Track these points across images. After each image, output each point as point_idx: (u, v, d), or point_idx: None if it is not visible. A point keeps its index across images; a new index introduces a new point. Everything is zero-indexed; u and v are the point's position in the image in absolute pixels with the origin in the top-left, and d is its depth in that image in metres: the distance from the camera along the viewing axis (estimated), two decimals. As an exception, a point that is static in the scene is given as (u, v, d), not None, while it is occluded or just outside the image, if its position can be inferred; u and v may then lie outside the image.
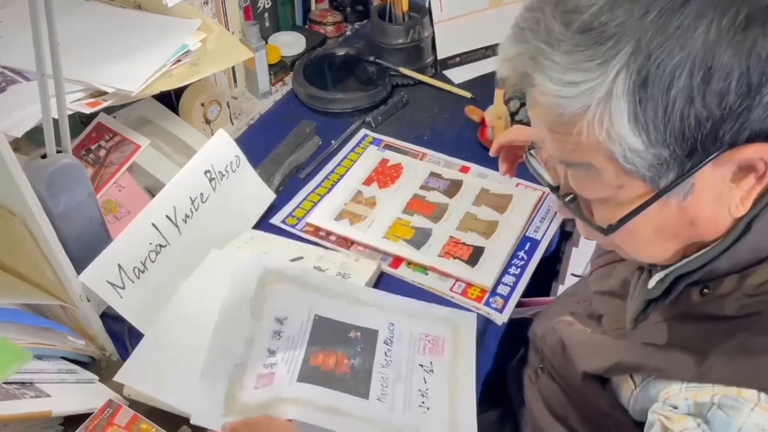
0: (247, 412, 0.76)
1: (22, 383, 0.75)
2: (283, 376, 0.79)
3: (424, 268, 0.99)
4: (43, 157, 0.80)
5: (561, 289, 1.54)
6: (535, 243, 1.03)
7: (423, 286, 0.97)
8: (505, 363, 1.02)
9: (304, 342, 0.84)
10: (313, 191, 1.13)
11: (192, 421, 0.77)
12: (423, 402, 0.80)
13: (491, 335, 0.94)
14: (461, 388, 0.82)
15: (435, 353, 0.85)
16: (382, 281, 0.98)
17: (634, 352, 0.67)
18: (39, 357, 0.80)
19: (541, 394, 0.87)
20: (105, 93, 0.92)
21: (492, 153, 1.02)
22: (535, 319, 0.94)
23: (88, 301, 0.84)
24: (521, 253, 1.01)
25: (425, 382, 0.82)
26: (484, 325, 0.93)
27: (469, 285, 0.96)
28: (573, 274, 1.61)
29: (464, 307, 0.94)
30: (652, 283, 0.63)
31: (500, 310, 0.93)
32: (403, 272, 0.99)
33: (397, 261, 1.00)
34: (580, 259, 1.59)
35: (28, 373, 0.76)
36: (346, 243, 1.03)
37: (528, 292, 0.99)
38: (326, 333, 0.85)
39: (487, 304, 0.94)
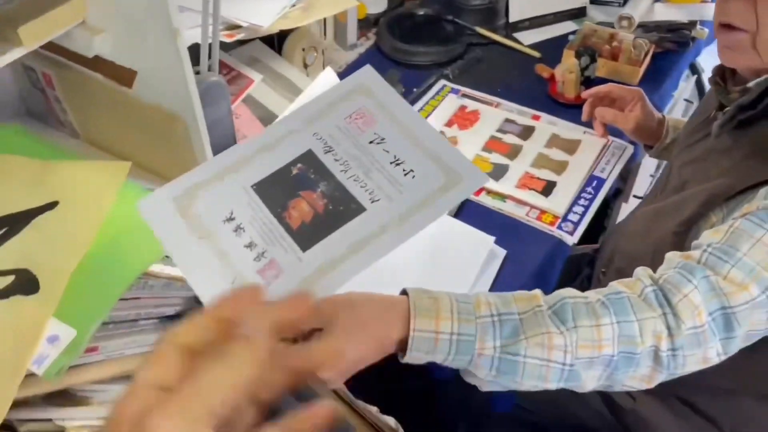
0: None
1: (177, 260, 0.90)
2: (284, 257, 0.71)
3: (502, 197, 1.12)
4: (197, 73, 0.94)
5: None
6: (601, 181, 1.15)
7: (502, 211, 1.10)
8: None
9: (266, 215, 0.73)
10: (399, 130, 1.26)
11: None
12: (404, 168, 0.73)
13: (559, 256, 1.08)
14: (419, 131, 0.73)
15: (369, 123, 0.75)
16: (465, 207, 1.11)
17: (722, 182, 0.78)
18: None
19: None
20: (239, 27, 1.06)
21: (585, 95, 1.16)
22: (604, 237, 1.08)
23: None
24: (589, 189, 1.14)
25: (387, 153, 0.74)
26: (554, 246, 1.06)
27: (543, 212, 1.09)
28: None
29: (540, 231, 1.07)
30: (749, 85, 0.78)
31: (571, 233, 1.06)
32: (483, 199, 1.12)
33: (478, 190, 1.13)
34: (623, 214, 1.72)
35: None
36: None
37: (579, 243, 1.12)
38: (275, 192, 0.75)
39: (559, 228, 1.07)
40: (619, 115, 1.14)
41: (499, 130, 1.25)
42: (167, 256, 0.81)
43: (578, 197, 1.12)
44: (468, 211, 1.10)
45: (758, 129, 0.80)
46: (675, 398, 0.94)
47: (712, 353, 0.67)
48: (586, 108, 1.18)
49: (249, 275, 0.69)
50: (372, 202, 0.71)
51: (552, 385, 0.66)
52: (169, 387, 0.32)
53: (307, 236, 0.70)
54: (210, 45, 0.94)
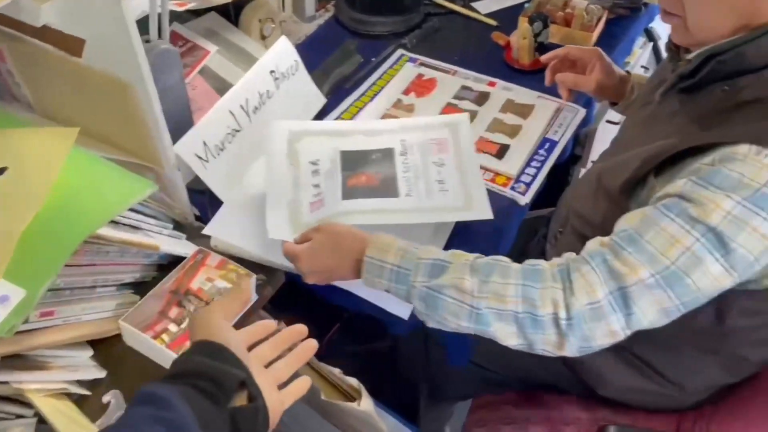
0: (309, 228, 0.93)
1: (132, 226, 0.91)
2: (329, 199, 0.97)
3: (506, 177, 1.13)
4: (146, 42, 0.94)
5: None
6: (553, 143, 1.18)
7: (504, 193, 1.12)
8: (523, 251, 1.19)
9: (338, 172, 1.01)
10: (358, 98, 1.28)
11: (270, 236, 0.93)
12: (442, 187, 0.98)
13: (514, 219, 1.10)
14: (468, 171, 1.00)
15: (442, 151, 1.04)
16: (421, 171, 1.13)
17: (659, 144, 0.81)
18: (139, 211, 0.95)
19: (561, 251, 1.03)
20: (190, -4, 1.06)
21: (543, 59, 1.18)
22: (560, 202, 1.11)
23: (179, 170, 1.00)
24: (542, 151, 1.16)
25: (439, 174, 1.00)
26: (508, 209, 1.09)
27: (497, 174, 1.12)
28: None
29: (494, 192, 1.09)
30: (689, 56, 0.82)
31: (523, 194, 1.09)
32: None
33: (434, 154, 1.15)
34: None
35: (135, 220, 0.92)
36: (389, 140, 1.19)
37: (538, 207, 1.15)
38: (353, 161, 1.03)
39: (512, 189, 1.10)
40: (580, 78, 1.15)
41: (456, 97, 1.27)
42: (114, 221, 0.83)
43: (531, 159, 1.15)
44: (424, 176, 1.12)
45: (701, 97, 0.83)
46: (627, 352, 0.98)
47: (617, 327, 0.74)
48: (547, 73, 1.19)
49: (304, 203, 0.98)
50: (406, 195, 0.97)
51: (465, 324, 0.77)
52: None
53: (351, 193, 0.98)
54: (159, 13, 0.94)
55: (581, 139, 1.58)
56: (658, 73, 1.05)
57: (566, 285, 0.75)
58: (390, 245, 0.83)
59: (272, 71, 1.13)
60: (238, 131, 1.07)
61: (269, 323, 0.68)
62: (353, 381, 1.08)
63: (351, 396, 1.08)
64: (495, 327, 0.76)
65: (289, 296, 1.00)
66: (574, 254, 0.79)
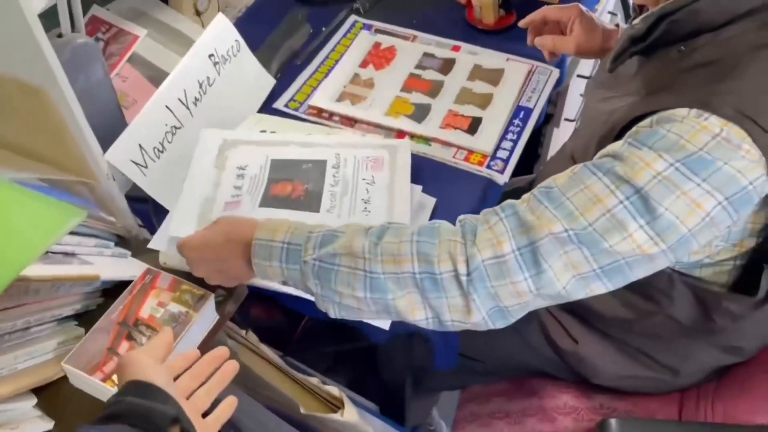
0: None
1: (65, 253, 0.79)
2: (246, 203, 0.90)
3: (426, 140, 1.04)
4: (59, 36, 0.81)
5: (544, 170, 1.62)
6: (528, 111, 1.09)
7: (427, 155, 1.02)
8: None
9: (264, 179, 0.94)
10: (311, 76, 1.16)
11: (171, 233, 0.85)
12: (366, 207, 0.91)
13: (492, 197, 1.01)
14: (397, 195, 0.91)
15: (376, 169, 0.95)
16: (387, 154, 1.03)
17: (618, 116, 0.74)
18: (74, 233, 0.84)
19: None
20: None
21: (522, 25, 1.06)
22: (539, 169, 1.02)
23: (113, 179, 0.88)
24: (516, 121, 1.07)
25: (368, 192, 0.92)
26: (486, 191, 1.00)
27: (471, 152, 1.02)
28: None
29: (469, 173, 1.00)
30: (638, 20, 0.73)
31: (501, 172, 1.00)
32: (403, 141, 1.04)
33: (400, 135, 1.05)
34: (559, 141, 1.67)
35: (69, 245, 0.80)
36: (350, 122, 1.08)
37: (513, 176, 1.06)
38: (282, 169, 0.95)
39: (489, 167, 1.00)
40: (559, 41, 1.04)
41: (418, 67, 1.16)
42: (47, 252, 0.72)
43: (506, 132, 1.05)
44: (391, 159, 1.02)
45: (657, 59, 0.75)
46: (618, 341, 0.92)
47: (524, 287, 0.65)
48: (529, 35, 1.07)
49: (219, 202, 0.91)
50: (327, 211, 0.91)
51: (361, 293, 0.68)
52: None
53: (270, 201, 0.91)
54: (68, 1, 0.80)
55: (552, 98, 1.48)
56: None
57: (468, 237, 0.66)
58: (281, 224, 0.73)
59: (211, 55, 1.00)
60: (178, 128, 0.95)
61: (190, 353, 0.70)
62: (334, 390, 1.01)
63: (333, 405, 1.01)
64: (395, 295, 0.67)
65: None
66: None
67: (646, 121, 0.66)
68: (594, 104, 0.86)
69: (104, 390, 0.75)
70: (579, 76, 1.48)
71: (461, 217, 0.70)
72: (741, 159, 0.60)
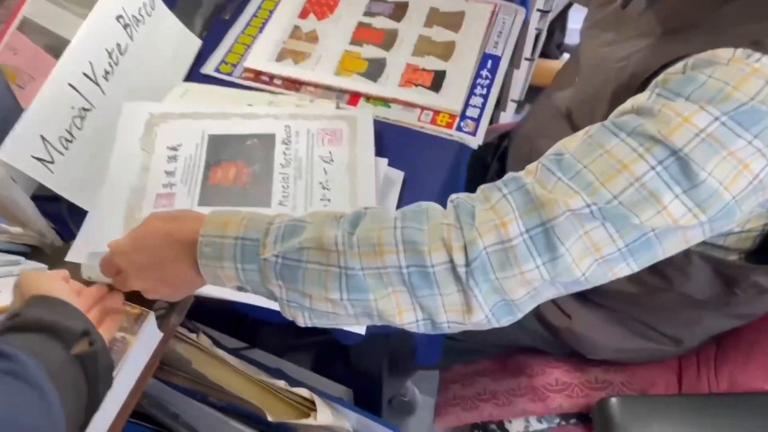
0: None
1: (-40, 285, 0.65)
2: (183, 198, 0.78)
3: (385, 101, 0.91)
4: None
5: (506, 117, 1.51)
6: (496, 59, 0.96)
7: (388, 120, 0.89)
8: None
9: (201, 160, 0.81)
10: (242, 32, 1.00)
11: (91, 241, 0.74)
12: (324, 194, 0.78)
13: (465, 161, 0.90)
14: (361, 175, 0.79)
15: (333, 143, 0.82)
16: (341, 121, 0.90)
17: (632, 70, 0.63)
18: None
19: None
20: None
21: None
22: (514, 131, 0.90)
23: (15, 182, 0.72)
24: (484, 72, 0.94)
25: (326, 173, 0.80)
26: (458, 153, 0.88)
27: (437, 112, 0.90)
28: (513, 100, 1.59)
29: (438, 137, 0.88)
30: None
31: (473, 134, 0.88)
32: (363, 108, 0.90)
33: (354, 97, 0.91)
34: (517, 84, 1.56)
35: (-37, 271, 0.66)
36: (295, 85, 0.93)
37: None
38: (222, 147, 0.82)
39: (459, 129, 0.88)
40: None
41: (367, 14, 1.01)
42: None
43: (474, 85, 0.93)
44: (347, 127, 0.88)
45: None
46: (618, 313, 0.83)
47: (535, 275, 0.53)
48: None
49: (150, 193, 0.78)
50: (279, 204, 0.77)
51: (335, 295, 0.55)
52: None
53: (211, 196, 0.78)
54: None
55: (511, 37, 1.36)
56: None
57: (465, 220, 0.54)
58: (233, 215, 0.60)
59: (119, 16, 0.82)
60: (88, 110, 0.78)
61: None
62: (304, 392, 0.90)
63: (305, 407, 0.91)
64: (377, 295, 0.55)
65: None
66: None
67: (678, 66, 0.54)
68: (594, 50, 0.74)
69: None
70: (539, 10, 1.36)
71: (453, 196, 0.58)
72: None
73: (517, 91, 1.59)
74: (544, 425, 0.95)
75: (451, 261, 0.53)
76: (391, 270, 0.54)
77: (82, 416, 0.53)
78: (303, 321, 0.59)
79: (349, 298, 0.55)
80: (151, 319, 0.69)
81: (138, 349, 0.68)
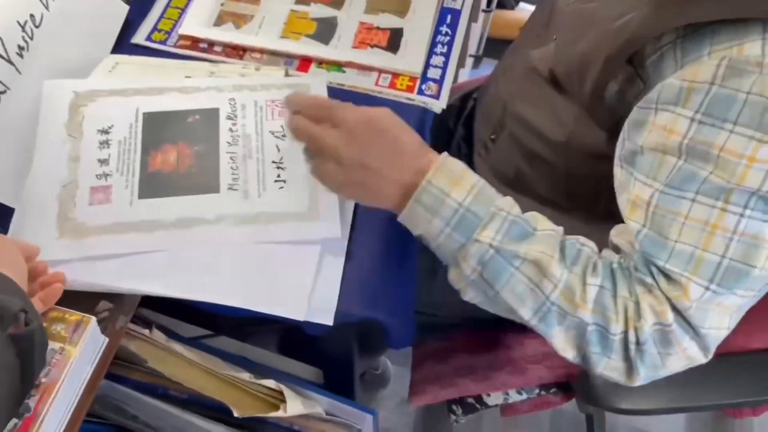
0: (84, 232, 0.67)
1: None
2: (121, 192, 0.70)
3: (339, 66, 0.83)
4: None
5: (464, 73, 1.45)
6: (456, 13, 0.89)
7: (343, 86, 0.82)
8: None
9: (137, 144, 0.73)
10: (174, -5, 0.90)
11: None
12: (279, 175, 0.72)
13: (428, 127, 0.83)
14: None
15: (285, 116, 0.73)
16: (292, 90, 0.82)
17: (628, 28, 0.58)
18: None
19: (493, 168, 0.80)
20: None
21: None
22: (481, 92, 0.85)
23: None
24: (444, 28, 0.87)
25: (279, 150, 0.73)
26: (421, 119, 0.81)
27: (396, 75, 0.82)
28: (471, 55, 1.52)
29: (399, 102, 0.81)
30: None
31: (436, 97, 0.81)
32: (315, 74, 0.83)
33: (304, 62, 0.83)
34: (474, 38, 1.49)
35: None
36: (237, 52, 0.84)
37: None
38: (160, 127, 0.74)
39: (420, 92, 0.81)
40: None
41: (312, -32, 0.92)
42: None
43: (434, 43, 0.86)
44: (298, 96, 0.81)
45: None
46: None
47: (693, 351, 0.56)
48: None
49: (83, 187, 0.70)
50: (229, 189, 0.70)
51: (526, 315, 0.57)
52: None
53: (152, 185, 0.70)
54: None
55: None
56: None
57: (636, 296, 0.56)
58: (461, 175, 0.58)
59: (29, -18, 0.72)
60: (2, 93, 0.69)
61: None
62: (270, 383, 0.85)
63: (273, 398, 0.86)
64: (555, 330, 0.57)
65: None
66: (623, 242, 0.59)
67: (702, 66, 0.50)
68: (576, 4, 0.68)
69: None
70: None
71: (614, 260, 0.58)
72: None
73: (473, 45, 1.52)
74: (524, 396, 0.93)
75: (626, 334, 0.55)
76: (578, 321, 0.56)
77: (16, 398, 0.52)
78: (467, 296, 0.61)
79: (535, 324, 0.58)
80: (92, 325, 0.62)
81: (80, 361, 0.61)
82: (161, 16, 0.88)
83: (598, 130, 0.65)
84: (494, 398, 0.93)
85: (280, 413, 0.83)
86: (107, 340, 0.65)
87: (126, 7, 0.86)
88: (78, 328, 0.62)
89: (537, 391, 0.91)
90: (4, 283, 0.54)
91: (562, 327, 0.56)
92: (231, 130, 0.73)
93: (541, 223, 0.59)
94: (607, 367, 0.57)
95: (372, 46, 0.84)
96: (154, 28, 0.87)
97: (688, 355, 0.55)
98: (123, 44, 0.85)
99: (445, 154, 0.60)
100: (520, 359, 0.88)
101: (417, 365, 0.97)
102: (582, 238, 0.60)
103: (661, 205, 0.53)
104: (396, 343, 0.77)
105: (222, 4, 0.88)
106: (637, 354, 0.55)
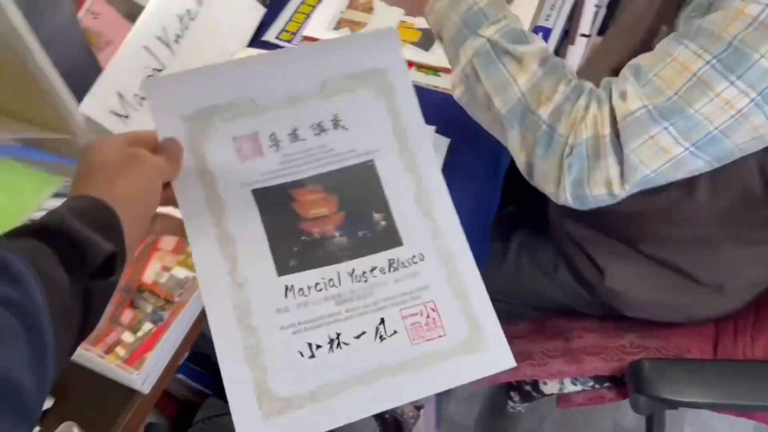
0: None
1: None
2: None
3: (435, 70, 0.94)
4: (12, -28, 0.70)
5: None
6: (547, 32, 0.98)
7: (438, 88, 0.93)
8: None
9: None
10: (303, 2, 1.05)
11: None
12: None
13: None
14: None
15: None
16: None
17: None
18: (59, 194, 0.76)
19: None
20: None
21: None
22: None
23: (95, 135, 0.79)
24: (534, 43, 0.97)
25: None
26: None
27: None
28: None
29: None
30: None
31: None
32: (414, 77, 0.94)
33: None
34: (574, 59, 1.55)
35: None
36: (349, 52, 0.98)
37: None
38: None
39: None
40: None
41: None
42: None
43: (523, 56, 0.95)
44: (398, 93, 0.92)
45: None
46: (644, 256, 0.86)
47: (613, 172, 0.62)
48: None
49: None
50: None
51: (498, 103, 0.65)
52: None
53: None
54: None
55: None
56: None
57: (589, 107, 0.63)
58: None
59: (190, -16, 0.89)
60: (160, 71, 0.85)
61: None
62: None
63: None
64: (516, 131, 0.65)
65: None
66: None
67: None
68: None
69: (106, 364, 0.70)
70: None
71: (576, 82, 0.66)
72: None
73: (574, 67, 1.58)
74: (578, 387, 0.98)
75: (567, 138, 0.63)
76: (537, 120, 0.64)
77: (70, 347, 0.45)
78: (457, 91, 0.70)
79: (503, 115, 0.66)
80: None
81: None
82: (290, 19, 1.03)
83: None
84: (550, 386, 0.99)
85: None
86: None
87: (263, 10, 1.02)
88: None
89: (591, 383, 0.97)
90: (107, 219, 0.47)
91: (522, 128, 0.64)
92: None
93: (537, 41, 0.68)
94: (542, 174, 0.65)
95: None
96: (283, 29, 1.02)
97: (609, 175, 0.61)
98: (256, 40, 1.00)
99: None
100: (577, 350, 0.95)
101: (481, 349, 1.05)
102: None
103: (665, 46, 0.61)
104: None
105: (342, 12, 1.02)
106: (568, 160, 0.62)
